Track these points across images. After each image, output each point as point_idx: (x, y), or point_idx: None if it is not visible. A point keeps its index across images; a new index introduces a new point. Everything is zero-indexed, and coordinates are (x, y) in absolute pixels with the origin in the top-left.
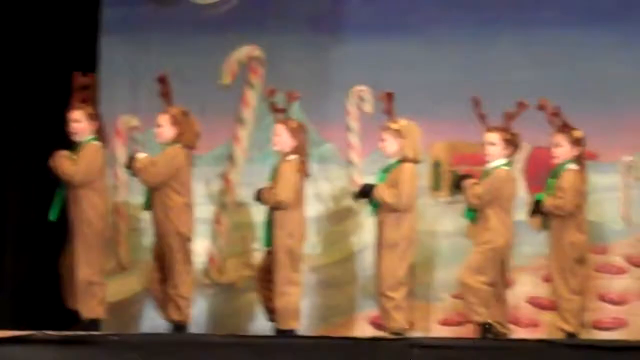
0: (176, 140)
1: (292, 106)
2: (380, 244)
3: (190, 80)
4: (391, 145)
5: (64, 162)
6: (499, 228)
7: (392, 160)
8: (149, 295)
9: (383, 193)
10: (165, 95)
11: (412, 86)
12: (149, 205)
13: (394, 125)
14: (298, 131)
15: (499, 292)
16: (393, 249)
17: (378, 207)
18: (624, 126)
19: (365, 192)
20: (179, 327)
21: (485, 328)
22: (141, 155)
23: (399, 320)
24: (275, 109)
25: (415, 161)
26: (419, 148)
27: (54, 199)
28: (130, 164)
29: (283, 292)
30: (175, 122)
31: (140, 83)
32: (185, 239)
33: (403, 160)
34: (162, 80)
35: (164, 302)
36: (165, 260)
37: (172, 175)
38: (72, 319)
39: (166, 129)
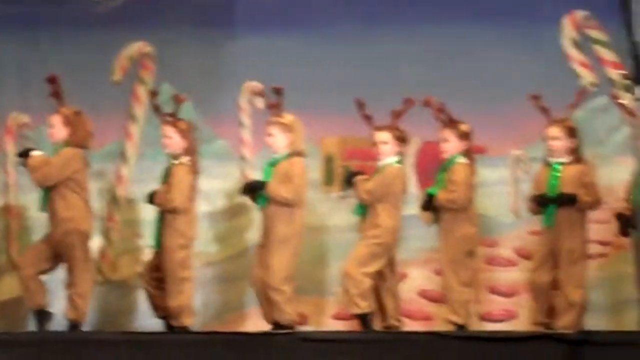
0: (69, 140)
1: (180, 108)
2: (270, 239)
3: (81, 76)
4: (280, 139)
5: None
6: (387, 223)
7: (279, 155)
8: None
9: (277, 189)
10: (56, 96)
11: (303, 81)
12: (45, 205)
13: (283, 120)
14: (188, 131)
15: (389, 286)
16: (285, 244)
17: (266, 202)
18: (512, 121)
19: (254, 188)
20: (74, 325)
21: (365, 319)
22: (36, 153)
23: (290, 313)
24: (157, 110)
25: (303, 155)
26: (303, 142)
27: None
28: (24, 157)
29: (176, 291)
30: (67, 122)
31: (30, 80)
32: (85, 237)
33: (293, 154)
34: (53, 80)
35: (37, 298)
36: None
37: (67, 176)
38: None
39: (58, 129)
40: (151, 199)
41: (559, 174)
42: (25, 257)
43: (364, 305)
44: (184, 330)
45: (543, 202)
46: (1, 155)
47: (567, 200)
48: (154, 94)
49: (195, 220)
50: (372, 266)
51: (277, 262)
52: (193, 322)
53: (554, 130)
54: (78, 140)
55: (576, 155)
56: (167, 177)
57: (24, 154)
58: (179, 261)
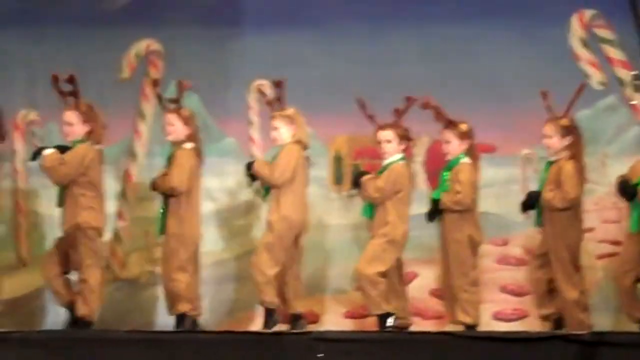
0: (86, 137)
1: (184, 95)
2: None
3: (89, 74)
4: (284, 131)
5: None
6: (396, 221)
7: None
8: (50, 289)
9: (261, 167)
10: (75, 94)
11: (311, 80)
12: (62, 201)
13: (286, 112)
14: (190, 119)
15: (398, 284)
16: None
17: (268, 191)
18: (521, 120)
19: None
20: (85, 321)
21: (385, 320)
22: (49, 151)
23: (271, 295)
24: (160, 99)
25: (304, 145)
26: (308, 135)
27: None
28: (36, 158)
29: (172, 278)
30: (86, 119)
31: (38, 77)
32: (95, 234)
33: (292, 142)
34: (71, 80)
35: (65, 296)
36: (70, 255)
37: (82, 173)
38: None
39: (77, 126)
40: (154, 185)
41: (546, 173)
42: (45, 257)
43: (386, 306)
44: (182, 317)
45: (527, 203)
46: (10, 152)
47: (533, 199)
48: (156, 82)
49: (198, 206)
50: (385, 264)
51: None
52: (187, 308)
53: (548, 128)
54: (94, 136)
55: (571, 153)
56: (169, 161)
57: (37, 154)
58: (178, 248)
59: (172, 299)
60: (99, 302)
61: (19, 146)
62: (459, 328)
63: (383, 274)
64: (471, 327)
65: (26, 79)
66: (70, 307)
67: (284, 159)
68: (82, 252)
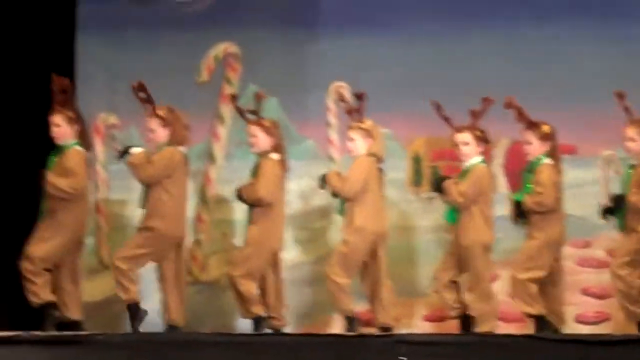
0: (170, 140)
1: (262, 105)
2: None
3: (168, 77)
4: (360, 144)
5: (60, 182)
6: (483, 225)
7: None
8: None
9: (333, 178)
10: (147, 101)
11: (389, 82)
12: (145, 202)
13: (363, 125)
14: (273, 129)
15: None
16: None
17: (343, 201)
18: (603, 120)
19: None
20: (172, 326)
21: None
22: (137, 150)
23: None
24: (241, 113)
25: (379, 158)
26: (384, 149)
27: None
28: (124, 156)
29: (240, 283)
30: (166, 123)
31: (118, 81)
32: (177, 239)
33: (367, 155)
34: (141, 87)
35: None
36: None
37: (168, 175)
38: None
39: (158, 132)
40: (239, 194)
41: (629, 176)
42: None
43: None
44: (258, 319)
45: (611, 207)
46: (91, 155)
47: (618, 203)
48: (234, 97)
49: (282, 216)
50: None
51: None
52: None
53: (630, 131)
54: (177, 138)
55: None
56: (255, 171)
57: (125, 152)
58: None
59: (244, 302)
60: (182, 306)
61: (99, 150)
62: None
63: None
64: (537, 317)
65: (107, 83)
66: (133, 304)
67: (355, 171)
68: (161, 257)
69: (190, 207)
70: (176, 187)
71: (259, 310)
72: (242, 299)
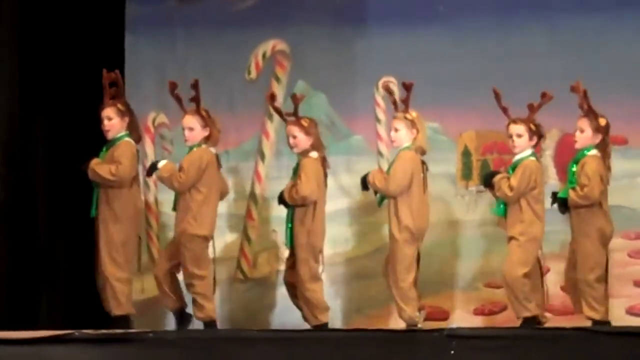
0: (204, 141)
1: (299, 106)
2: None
3: (217, 75)
4: (404, 135)
5: (101, 168)
6: (533, 219)
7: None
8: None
9: (373, 177)
10: (196, 100)
11: (439, 76)
12: (177, 204)
13: (409, 116)
14: (311, 128)
15: (536, 281)
16: None
17: (383, 199)
18: None
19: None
20: (207, 324)
21: (531, 322)
22: (163, 162)
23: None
24: (279, 113)
25: (423, 152)
26: (427, 142)
27: (92, 197)
28: (152, 173)
29: (307, 288)
30: (206, 124)
31: (167, 79)
32: (200, 240)
33: (411, 148)
34: (195, 86)
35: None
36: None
37: (200, 177)
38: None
39: (197, 131)
40: (281, 197)
41: None
42: (157, 258)
43: (532, 307)
44: (323, 326)
45: None
46: (142, 154)
47: None
48: (273, 96)
49: (323, 215)
50: (528, 265)
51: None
52: (327, 318)
53: None
54: (212, 140)
55: None
56: (297, 171)
57: (152, 169)
58: (308, 257)
59: (311, 309)
60: (212, 304)
61: (149, 149)
62: (588, 323)
63: (527, 275)
64: (600, 322)
65: (156, 82)
66: (178, 310)
67: (399, 169)
68: (185, 256)
69: (241, 204)
70: (206, 187)
71: (326, 317)
72: (310, 305)
